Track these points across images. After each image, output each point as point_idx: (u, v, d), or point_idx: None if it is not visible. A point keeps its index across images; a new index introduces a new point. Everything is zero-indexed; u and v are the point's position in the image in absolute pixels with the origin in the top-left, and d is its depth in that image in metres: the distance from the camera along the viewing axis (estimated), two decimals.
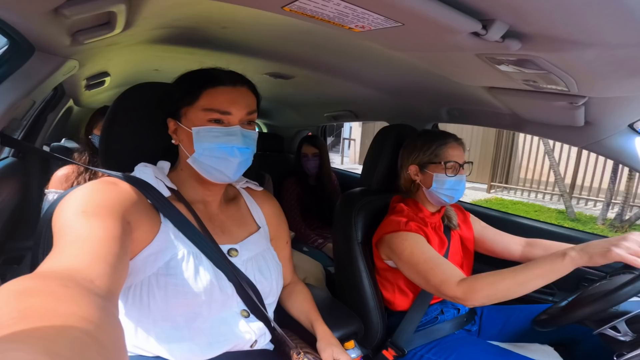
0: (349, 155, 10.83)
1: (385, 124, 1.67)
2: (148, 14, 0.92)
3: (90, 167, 0.98)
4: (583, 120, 1.06)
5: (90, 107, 2.43)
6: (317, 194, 2.34)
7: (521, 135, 7.08)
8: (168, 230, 0.70)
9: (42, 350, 0.27)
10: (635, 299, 0.84)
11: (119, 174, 0.71)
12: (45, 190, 1.53)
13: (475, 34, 0.62)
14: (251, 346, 0.79)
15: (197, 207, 0.77)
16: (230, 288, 0.75)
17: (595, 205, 6.11)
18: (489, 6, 0.55)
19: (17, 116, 1.10)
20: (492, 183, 7.32)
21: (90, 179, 1.47)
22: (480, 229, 1.30)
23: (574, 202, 5.97)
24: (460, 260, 1.23)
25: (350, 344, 0.98)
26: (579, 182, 6.21)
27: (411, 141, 1.21)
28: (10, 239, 1.63)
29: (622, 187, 5.19)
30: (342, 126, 11.29)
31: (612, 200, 5.26)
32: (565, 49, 0.62)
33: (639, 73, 0.68)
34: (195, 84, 0.73)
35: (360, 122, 9.73)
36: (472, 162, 1.20)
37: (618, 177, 5.29)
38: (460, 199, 1.24)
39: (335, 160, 10.38)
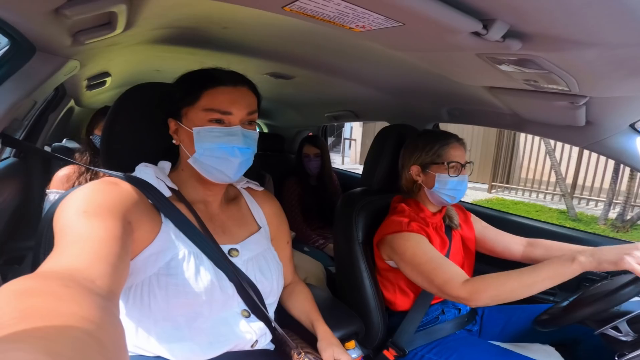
0: (349, 155, 10.81)
1: (385, 124, 1.67)
2: (149, 14, 0.92)
3: (92, 167, 0.99)
4: (584, 120, 1.06)
5: (91, 107, 2.44)
6: (318, 194, 2.33)
7: (522, 135, 7.07)
8: (169, 230, 0.70)
9: (43, 350, 0.27)
10: (636, 299, 0.84)
11: (120, 174, 0.71)
12: (47, 191, 1.53)
13: (476, 33, 0.61)
14: (252, 346, 0.79)
15: (198, 207, 0.78)
16: (231, 288, 0.75)
17: (596, 206, 6.09)
18: (489, 6, 0.55)
19: (19, 116, 1.10)
20: (493, 183, 7.31)
21: (91, 179, 1.47)
22: (482, 228, 1.30)
23: (575, 202, 5.96)
24: (462, 260, 1.22)
25: (351, 344, 0.98)
26: (580, 182, 6.20)
27: (412, 141, 1.21)
28: (12, 239, 1.63)
29: (624, 187, 5.18)
30: (343, 126, 11.28)
31: (614, 200, 5.25)
32: (565, 49, 0.62)
33: None
34: (196, 84, 0.73)
35: (361, 122, 9.73)
36: (472, 162, 1.20)
37: (619, 177, 5.27)
38: (461, 199, 1.24)
39: (336, 160, 10.38)
